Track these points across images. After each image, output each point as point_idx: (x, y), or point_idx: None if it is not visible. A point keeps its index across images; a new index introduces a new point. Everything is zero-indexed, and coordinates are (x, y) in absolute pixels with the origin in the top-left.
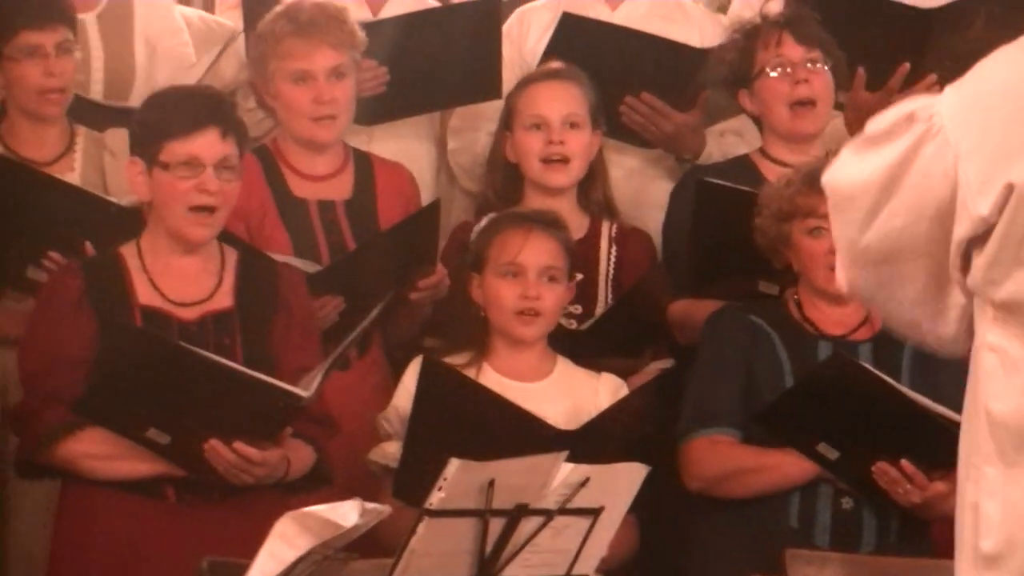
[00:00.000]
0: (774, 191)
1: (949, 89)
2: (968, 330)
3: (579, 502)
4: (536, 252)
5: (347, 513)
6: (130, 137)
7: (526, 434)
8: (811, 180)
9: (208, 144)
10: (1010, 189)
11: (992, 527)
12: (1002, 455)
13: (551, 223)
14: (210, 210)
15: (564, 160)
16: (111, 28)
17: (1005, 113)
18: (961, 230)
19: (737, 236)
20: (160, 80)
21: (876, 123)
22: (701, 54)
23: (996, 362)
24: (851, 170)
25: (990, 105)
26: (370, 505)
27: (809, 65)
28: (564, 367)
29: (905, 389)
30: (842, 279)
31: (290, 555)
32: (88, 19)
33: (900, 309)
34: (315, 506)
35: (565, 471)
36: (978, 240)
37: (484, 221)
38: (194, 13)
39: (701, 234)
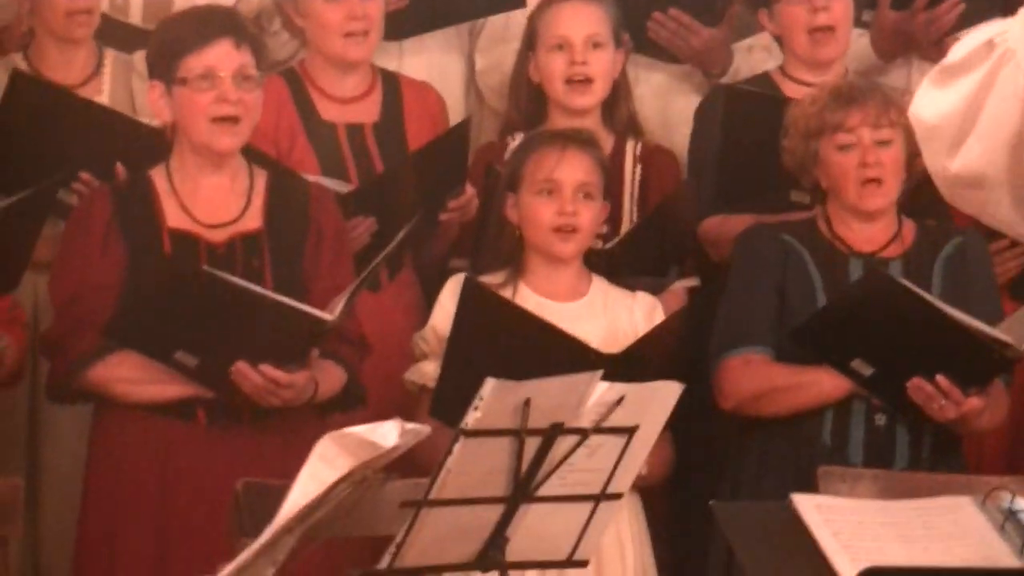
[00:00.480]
0: (800, 110)
1: (1022, 11)
2: None
3: (614, 421)
4: (571, 169)
5: (387, 433)
6: (147, 61)
7: (567, 358)
8: (838, 95)
9: (223, 54)
10: None
11: None
12: None
13: (585, 141)
14: (233, 120)
15: (587, 80)
16: None
17: None
18: None
19: (766, 144)
20: (200, 2)
21: (955, 52)
22: None
23: None
24: (934, 101)
25: None
26: (410, 425)
27: None
28: (600, 286)
29: (940, 303)
30: (948, 200)
31: (331, 476)
32: None
33: (1000, 225)
34: (354, 427)
35: (600, 390)
36: None
37: (517, 140)
38: None
39: (730, 143)
